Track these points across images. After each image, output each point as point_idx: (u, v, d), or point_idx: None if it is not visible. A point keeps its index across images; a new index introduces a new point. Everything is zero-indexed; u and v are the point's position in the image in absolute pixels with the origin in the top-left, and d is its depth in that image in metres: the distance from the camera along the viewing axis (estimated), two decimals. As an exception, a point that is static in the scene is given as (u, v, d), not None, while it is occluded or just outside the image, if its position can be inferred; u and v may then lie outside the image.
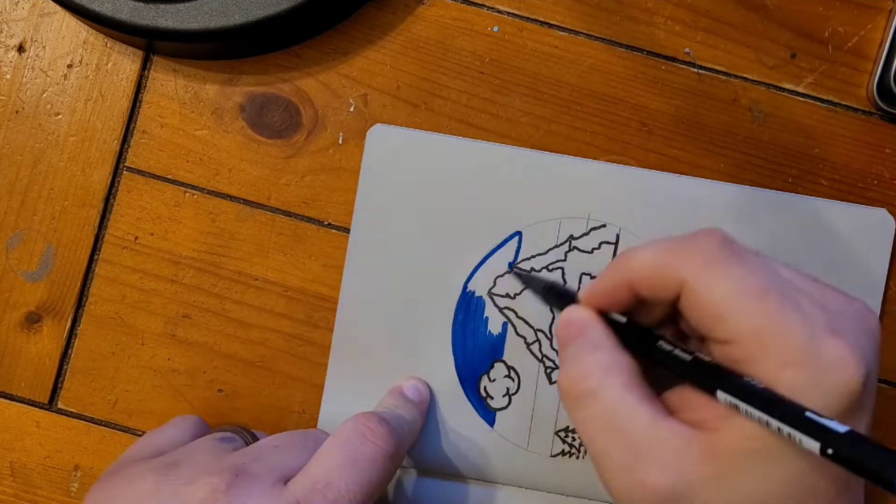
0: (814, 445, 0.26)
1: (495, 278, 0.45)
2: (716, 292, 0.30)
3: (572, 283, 0.45)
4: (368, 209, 0.45)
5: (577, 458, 0.44)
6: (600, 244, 0.45)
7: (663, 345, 0.32)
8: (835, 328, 0.29)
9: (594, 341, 0.33)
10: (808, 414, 0.27)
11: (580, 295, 0.35)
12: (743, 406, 0.28)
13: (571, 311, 0.34)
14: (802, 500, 0.29)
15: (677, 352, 0.31)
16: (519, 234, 0.45)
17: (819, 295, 0.31)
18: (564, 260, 0.45)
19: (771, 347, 0.29)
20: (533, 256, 0.45)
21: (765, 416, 0.27)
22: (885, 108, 0.45)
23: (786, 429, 0.27)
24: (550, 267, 0.45)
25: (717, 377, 0.30)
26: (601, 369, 0.32)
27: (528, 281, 0.42)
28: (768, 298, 0.29)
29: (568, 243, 0.45)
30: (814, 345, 0.28)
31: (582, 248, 0.45)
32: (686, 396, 0.32)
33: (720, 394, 0.29)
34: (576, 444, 0.45)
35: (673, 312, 0.33)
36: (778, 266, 0.32)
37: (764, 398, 0.28)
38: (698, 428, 0.30)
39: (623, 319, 0.33)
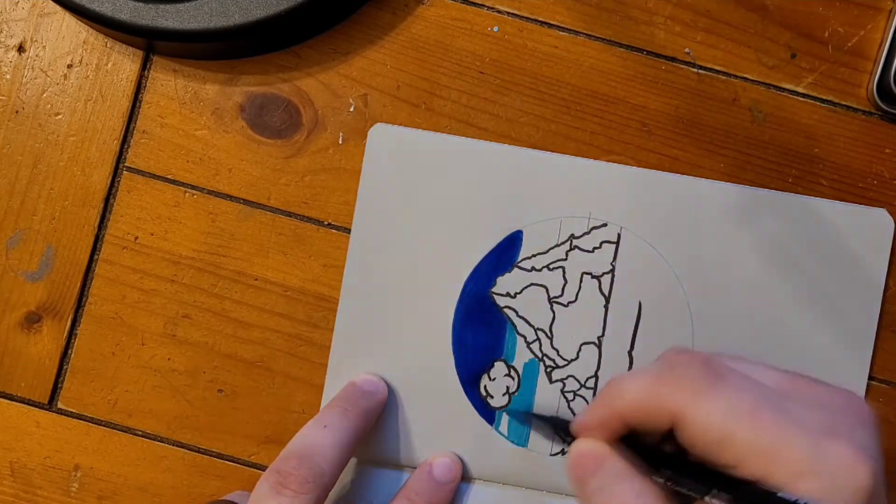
0: None
1: (496, 277, 0.45)
2: (710, 421, 0.30)
3: (573, 283, 0.45)
4: (369, 208, 0.45)
5: (578, 457, 0.44)
6: (601, 243, 0.45)
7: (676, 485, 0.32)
8: (832, 429, 0.29)
9: (617, 472, 0.33)
10: None
11: (573, 429, 0.35)
12: None
13: (581, 445, 0.34)
14: None
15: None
16: (520, 233, 0.45)
17: (807, 394, 0.31)
18: (565, 259, 0.45)
19: (778, 463, 0.29)
20: (534, 255, 0.45)
21: None
22: (885, 108, 0.45)
23: None
24: (551, 266, 0.45)
25: (753, 496, 0.29)
26: (634, 498, 0.32)
27: (533, 421, 0.43)
28: (761, 415, 0.29)
29: (569, 242, 0.45)
30: (817, 452, 0.29)
31: (583, 248, 0.45)
32: None
33: None
34: (576, 443, 0.45)
35: (668, 437, 0.33)
36: (758, 371, 0.32)
37: None
38: None
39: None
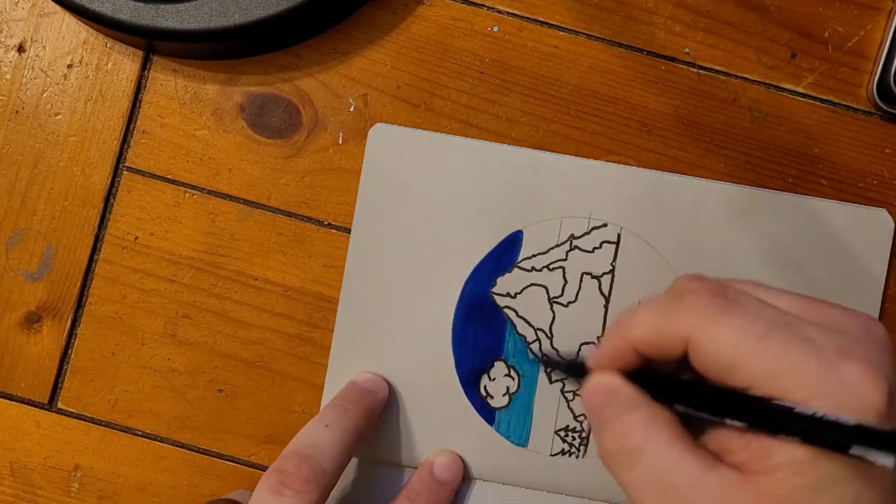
0: (888, 460, 0.27)
1: (496, 277, 0.45)
2: (721, 345, 0.30)
3: (573, 283, 0.45)
4: (369, 208, 0.45)
5: (577, 457, 0.45)
6: (601, 243, 0.45)
7: (694, 411, 0.32)
8: (845, 350, 0.29)
9: (627, 400, 0.33)
10: (862, 423, 0.27)
11: (589, 362, 0.35)
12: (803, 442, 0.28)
13: (594, 379, 0.34)
14: None
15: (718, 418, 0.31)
16: (520, 233, 0.45)
17: (821, 316, 0.31)
18: (565, 259, 0.45)
19: (790, 385, 0.29)
20: (534, 255, 0.45)
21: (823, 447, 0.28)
22: (885, 108, 0.45)
23: (856, 450, 0.27)
24: (551, 266, 0.45)
25: (769, 415, 0.29)
26: (642, 426, 0.32)
27: (549, 363, 0.42)
28: (772, 339, 0.29)
29: (569, 242, 0.45)
30: (830, 372, 0.28)
31: (583, 248, 0.45)
32: (724, 439, 0.32)
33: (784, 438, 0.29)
34: (575, 443, 0.45)
35: (684, 364, 0.33)
36: (773, 296, 0.32)
37: (818, 424, 0.28)
38: (745, 471, 0.30)
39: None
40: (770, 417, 0.29)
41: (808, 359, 0.29)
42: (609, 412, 0.33)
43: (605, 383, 0.34)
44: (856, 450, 0.27)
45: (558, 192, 0.45)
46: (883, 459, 0.27)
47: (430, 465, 0.44)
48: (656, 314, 0.32)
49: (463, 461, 0.45)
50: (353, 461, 0.45)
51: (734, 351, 0.30)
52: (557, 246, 0.45)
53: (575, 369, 0.36)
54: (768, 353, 0.29)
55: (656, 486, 0.31)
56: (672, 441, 0.31)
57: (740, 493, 0.30)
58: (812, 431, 0.28)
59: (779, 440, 0.29)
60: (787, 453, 0.29)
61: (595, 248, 0.45)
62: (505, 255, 0.45)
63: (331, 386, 0.45)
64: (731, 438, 0.31)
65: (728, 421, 0.30)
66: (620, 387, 0.33)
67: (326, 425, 0.40)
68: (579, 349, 0.45)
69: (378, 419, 0.44)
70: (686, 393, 0.32)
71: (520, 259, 0.45)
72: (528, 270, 0.45)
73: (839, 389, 0.28)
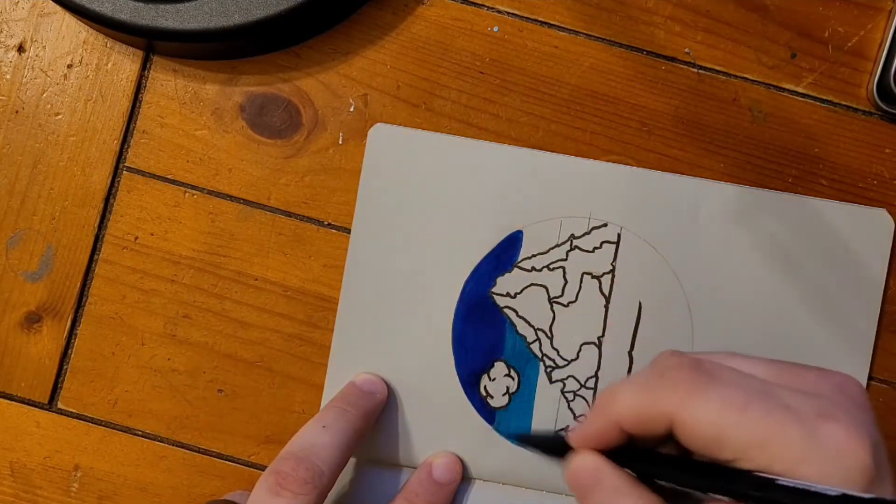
0: None
1: (496, 277, 0.45)
2: (704, 420, 0.30)
3: (573, 283, 0.45)
4: (369, 208, 0.45)
5: (578, 457, 0.44)
6: (602, 243, 0.45)
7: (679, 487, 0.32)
8: (826, 413, 0.29)
9: (615, 486, 0.33)
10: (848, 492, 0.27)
11: (572, 440, 0.35)
12: None
13: (579, 460, 0.34)
14: None
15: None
16: (520, 233, 0.45)
17: (797, 380, 0.31)
18: (566, 259, 0.45)
19: (775, 453, 0.29)
20: (534, 255, 0.45)
21: None
22: (885, 108, 0.45)
23: None
24: (552, 266, 0.45)
25: (754, 488, 0.29)
26: None
27: (531, 441, 0.43)
28: (753, 409, 0.30)
29: (569, 242, 0.45)
30: (813, 436, 0.29)
31: (583, 248, 0.45)
32: None
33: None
34: (576, 443, 0.45)
35: (668, 440, 0.33)
36: (748, 364, 0.32)
37: (802, 496, 0.28)
38: None
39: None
40: (754, 491, 0.29)
41: (790, 425, 0.29)
42: (597, 498, 0.33)
43: (590, 465, 0.34)
44: None
45: (558, 192, 0.45)
46: None
47: (429, 465, 0.44)
48: (638, 393, 0.32)
49: (462, 462, 0.45)
50: (352, 461, 0.45)
51: (717, 424, 0.30)
52: (557, 246, 0.45)
53: (556, 447, 0.36)
54: (750, 424, 0.29)
55: None
56: None
57: None
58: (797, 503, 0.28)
59: None
60: None
61: (595, 248, 0.45)
62: (505, 254, 0.45)
63: (331, 386, 0.45)
64: None
65: (714, 496, 0.30)
66: (607, 471, 0.34)
67: (324, 426, 0.40)
68: (579, 349, 0.45)
69: (377, 419, 0.44)
70: (670, 468, 0.32)
71: (520, 259, 0.45)
72: (528, 270, 0.45)
73: (824, 453, 0.28)
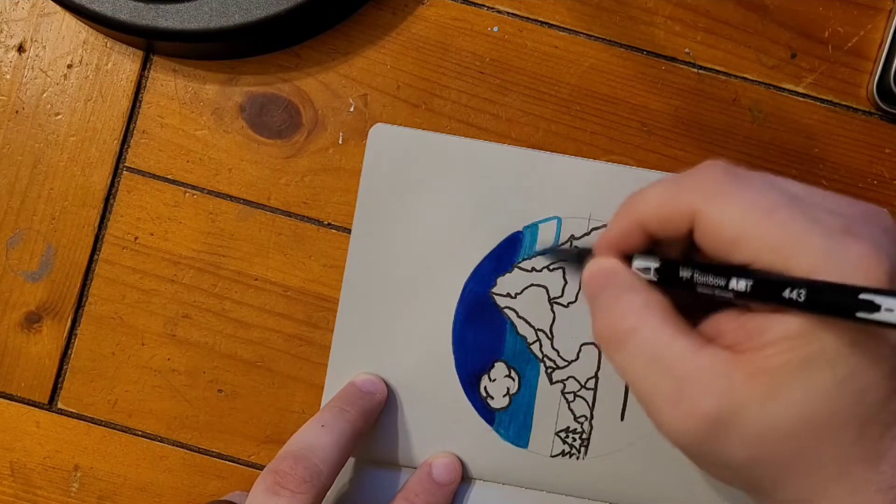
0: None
1: (496, 277, 0.45)
2: (727, 218, 0.30)
3: (574, 283, 0.45)
4: (369, 208, 0.45)
5: (578, 458, 0.44)
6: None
7: (698, 285, 0.32)
8: (850, 230, 0.29)
9: (624, 285, 0.33)
10: (862, 296, 0.27)
11: (595, 245, 0.35)
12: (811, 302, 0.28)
13: (594, 263, 0.35)
14: (854, 402, 0.29)
15: (711, 290, 0.31)
16: (520, 233, 0.45)
17: (830, 203, 0.31)
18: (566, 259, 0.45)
19: (793, 259, 0.29)
20: (534, 256, 0.45)
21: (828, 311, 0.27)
22: (885, 108, 0.45)
23: (862, 314, 0.27)
24: (551, 266, 0.45)
25: (771, 282, 0.29)
26: (636, 309, 0.32)
27: (555, 254, 0.43)
28: (778, 213, 0.29)
29: (569, 243, 0.45)
30: (833, 248, 0.28)
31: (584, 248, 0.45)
32: (719, 324, 0.32)
33: (787, 292, 0.28)
34: (576, 444, 0.45)
35: (688, 248, 0.33)
36: (785, 182, 0.32)
37: (823, 288, 0.27)
38: (736, 350, 0.30)
39: (653, 263, 0.33)
40: (772, 284, 0.29)
41: (812, 234, 0.29)
42: (606, 295, 0.33)
43: (605, 267, 0.34)
44: (862, 314, 0.26)
45: (559, 193, 0.45)
46: (891, 317, 0.26)
47: (429, 466, 0.44)
48: (666, 189, 0.32)
49: (462, 462, 0.45)
50: (351, 461, 0.45)
51: (739, 224, 0.30)
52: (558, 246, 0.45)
53: (582, 257, 0.36)
54: (773, 227, 0.29)
55: (649, 367, 0.32)
56: (664, 323, 0.32)
57: (731, 370, 0.30)
58: (816, 296, 0.27)
59: (774, 316, 0.29)
60: (779, 329, 0.29)
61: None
62: (505, 255, 0.45)
63: (331, 386, 0.45)
64: (725, 322, 0.31)
65: (728, 295, 0.30)
66: (620, 270, 0.34)
67: (323, 426, 0.40)
68: (580, 350, 0.45)
69: (377, 419, 0.44)
70: (688, 267, 0.32)
71: (520, 259, 0.45)
72: (528, 271, 0.45)
73: (842, 265, 0.28)
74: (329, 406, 0.42)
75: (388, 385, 0.45)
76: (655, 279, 0.33)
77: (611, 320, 0.33)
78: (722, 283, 0.30)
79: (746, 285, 0.30)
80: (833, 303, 0.27)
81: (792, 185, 0.32)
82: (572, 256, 0.39)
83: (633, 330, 0.32)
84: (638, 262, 0.34)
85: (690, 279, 0.32)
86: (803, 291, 0.28)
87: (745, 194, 0.30)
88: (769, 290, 0.29)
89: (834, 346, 0.28)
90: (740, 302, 0.31)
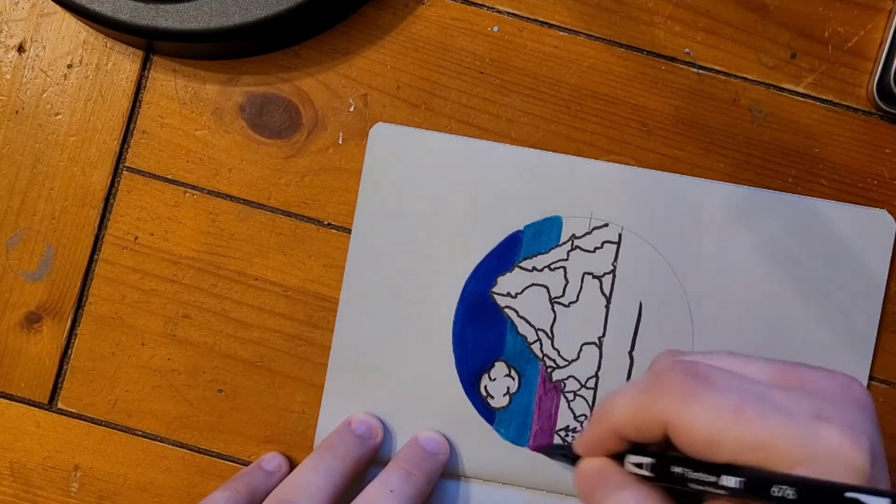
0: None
1: (497, 277, 0.45)
2: (698, 424, 0.30)
3: (574, 283, 0.45)
4: (370, 208, 0.45)
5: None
6: (603, 243, 0.45)
7: (692, 483, 0.32)
8: (822, 414, 0.29)
9: (616, 483, 0.34)
10: (848, 494, 0.27)
11: (576, 448, 0.35)
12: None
13: (585, 463, 0.35)
14: None
15: (704, 487, 0.31)
16: (521, 232, 0.45)
17: (796, 380, 0.31)
18: (567, 259, 0.45)
19: (771, 456, 0.29)
20: (535, 255, 0.45)
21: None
22: (885, 108, 0.45)
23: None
24: (552, 266, 0.45)
25: (758, 480, 0.29)
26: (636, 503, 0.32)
27: (549, 452, 0.44)
28: (747, 411, 0.29)
29: (570, 242, 0.45)
30: (809, 438, 0.29)
31: (584, 248, 0.45)
32: None
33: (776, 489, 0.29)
34: (576, 443, 0.45)
35: (669, 445, 0.33)
36: (747, 365, 0.32)
37: (810, 485, 0.28)
38: None
39: (646, 460, 0.34)
40: (761, 481, 0.29)
41: (785, 427, 0.29)
42: (601, 494, 0.34)
43: (596, 466, 0.35)
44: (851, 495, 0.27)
45: (560, 192, 0.45)
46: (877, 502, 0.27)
47: (416, 438, 0.44)
48: (633, 399, 0.33)
49: (448, 440, 0.45)
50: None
51: (711, 429, 0.30)
52: (559, 246, 0.45)
53: (572, 456, 0.37)
54: (745, 427, 0.29)
55: None
56: None
57: None
58: (805, 495, 0.28)
59: None
60: None
61: (596, 248, 0.45)
62: (506, 254, 0.45)
63: (331, 386, 0.45)
64: None
65: (720, 492, 0.30)
66: (610, 469, 0.34)
67: (313, 468, 0.41)
68: (580, 350, 0.45)
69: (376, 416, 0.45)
70: (679, 465, 0.32)
71: (521, 259, 0.45)
72: (528, 270, 0.45)
73: (820, 454, 0.28)
74: (323, 449, 0.43)
75: (388, 385, 0.45)
76: (648, 475, 0.33)
77: None
78: (713, 479, 0.31)
79: (738, 482, 0.30)
80: (821, 502, 0.27)
81: (756, 368, 0.32)
82: (566, 452, 0.40)
83: None
84: (631, 458, 0.34)
85: (682, 476, 0.32)
86: (791, 490, 0.28)
87: (711, 397, 0.30)
88: (758, 488, 0.29)
89: None
90: (734, 498, 0.31)
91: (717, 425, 0.30)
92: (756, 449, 0.29)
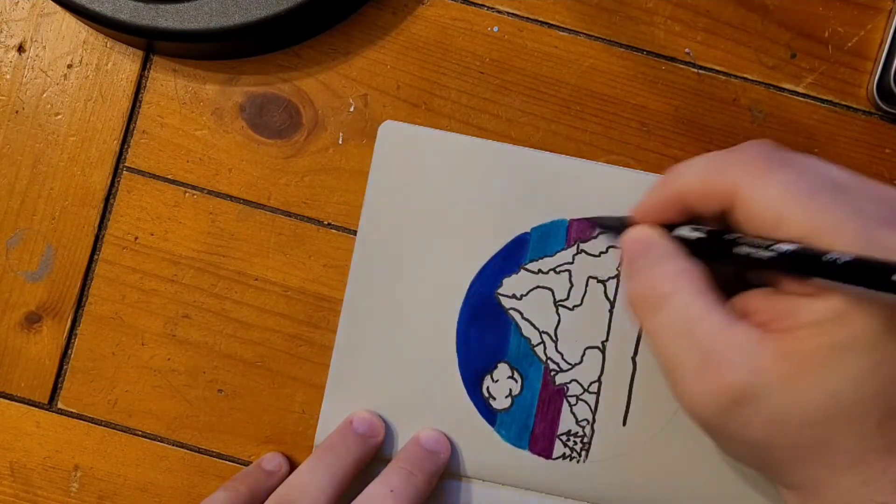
0: None
1: (502, 278, 0.45)
2: (769, 198, 0.30)
3: (579, 287, 0.45)
4: (377, 206, 0.45)
5: (578, 461, 0.44)
6: (608, 248, 0.44)
7: (741, 246, 0.31)
8: (889, 219, 0.29)
9: (662, 252, 0.33)
10: None
11: (633, 213, 0.35)
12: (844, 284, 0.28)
13: (635, 230, 0.34)
14: (879, 391, 0.29)
15: (754, 250, 0.31)
16: (527, 234, 0.45)
17: (870, 190, 0.31)
18: (572, 262, 0.45)
19: (831, 244, 0.29)
20: (540, 258, 0.45)
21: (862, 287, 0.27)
22: (885, 108, 0.45)
23: None
24: (558, 269, 0.45)
25: (808, 260, 0.29)
26: (671, 276, 0.32)
27: (598, 221, 0.43)
28: (820, 197, 0.29)
29: (576, 246, 0.45)
30: (871, 236, 0.28)
31: (590, 252, 0.45)
32: (750, 301, 0.32)
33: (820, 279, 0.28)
34: (577, 447, 0.45)
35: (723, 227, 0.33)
36: (827, 166, 0.32)
37: (862, 264, 0.27)
38: (768, 329, 0.30)
39: (695, 233, 0.33)
40: (815, 252, 0.28)
41: (850, 221, 0.29)
42: (643, 261, 0.33)
43: (644, 234, 0.34)
44: None
45: (567, 195, 0.45)
46: None
47: (416, 437, 0.44)
48: (709, 164, 0.32)
49: (449, 439, 0.45)
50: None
51: (780, 205, 0.29)
52: (564, 249, 0.45)
53: (620, 226, 0.36)
54: (815, 211, 0.29)
55: (678, 335, 0.31)
56: (699, 293, 0.32)
57: (760, 349, 0.30)
58: (856, 264, 0.27)
59: (806, 299, 0.29)
60: (811, 313, 0.29)
61: (602, 253, 0.45)
62: (512, 256, 0.45)
63: (332, 385, 0.45)
64: (756, 300, 0.31)
65: (769, 255, 0.30)
66: (658, 238, 0.34)
67: (314, 468, 0.41)
68: (583, 354, 0.45)
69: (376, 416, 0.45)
70: (732, 233, 0.31)
71: (527, 261, 0.45)
72: (534, 273, 0.45)
73: (880, 254, 0.28)
74: (325, 447, 0.43)
75: (387, 385, 0.45)
76: (695, 249, 0.33)
77: (647, 284, 0.33)
78: (768, 244, 0.30)
79: (795, 247, 0.29)
80: (872, 271, 0.27)
81: (835, 170, 0.32)
82: (614, 223, 0.39)
83: (668, 296, 0.32)
84: (679, 231, 0.34)
85: (734, 241, 0.32)
86: (847, 256, 0.28)
87: (788, 175, 0.30)
88: (812, 256, 0.29)
89: (865, 333, 0.28)
90: (778, 273, 0.31)
91: (786, 202, 0.29)
92: (817, 235, 0.29)
